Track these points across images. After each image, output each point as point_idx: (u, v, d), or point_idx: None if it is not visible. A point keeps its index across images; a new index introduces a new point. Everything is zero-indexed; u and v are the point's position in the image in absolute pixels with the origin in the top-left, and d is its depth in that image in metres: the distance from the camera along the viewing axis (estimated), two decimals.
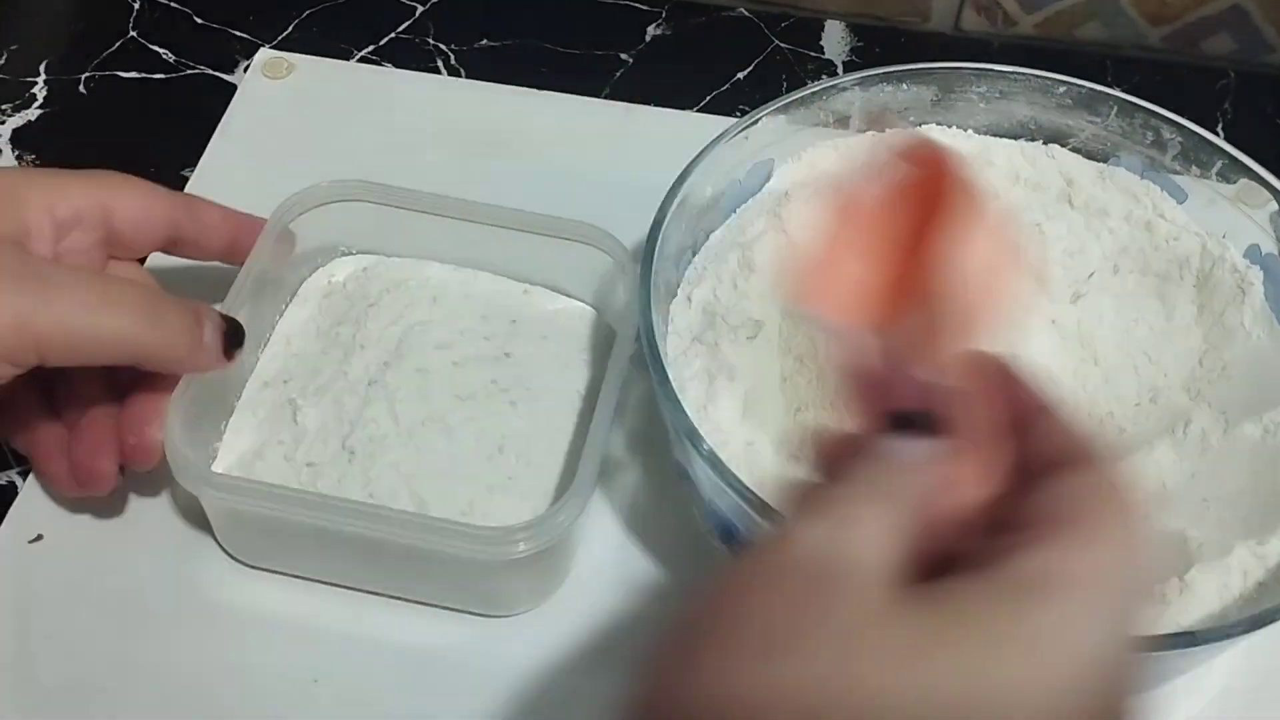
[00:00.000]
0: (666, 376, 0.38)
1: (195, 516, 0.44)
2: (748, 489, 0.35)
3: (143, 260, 0.46)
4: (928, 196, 0.28)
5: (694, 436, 0.37)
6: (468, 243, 0.49)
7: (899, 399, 0.27)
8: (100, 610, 0.42)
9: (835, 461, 0.27)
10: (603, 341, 0.48)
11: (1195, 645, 0.33)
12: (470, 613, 0.42)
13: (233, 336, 0.41)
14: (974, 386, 0.27)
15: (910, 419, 0.26)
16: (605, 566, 0.44)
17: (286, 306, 0.48)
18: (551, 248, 0.48)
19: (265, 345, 0.47)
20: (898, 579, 0.23)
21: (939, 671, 0.21)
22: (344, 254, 0.50)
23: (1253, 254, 0.45)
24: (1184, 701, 0.41)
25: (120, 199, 0.42)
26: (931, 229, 0.27)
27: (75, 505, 0.44)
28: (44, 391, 0.42)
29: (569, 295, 0.50)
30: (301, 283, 0.49)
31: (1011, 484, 0.26)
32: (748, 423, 0.41)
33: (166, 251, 0.45)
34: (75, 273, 0.39)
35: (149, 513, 0.44)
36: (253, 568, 0.43)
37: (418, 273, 0.49)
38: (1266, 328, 0.44)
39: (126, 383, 0.41)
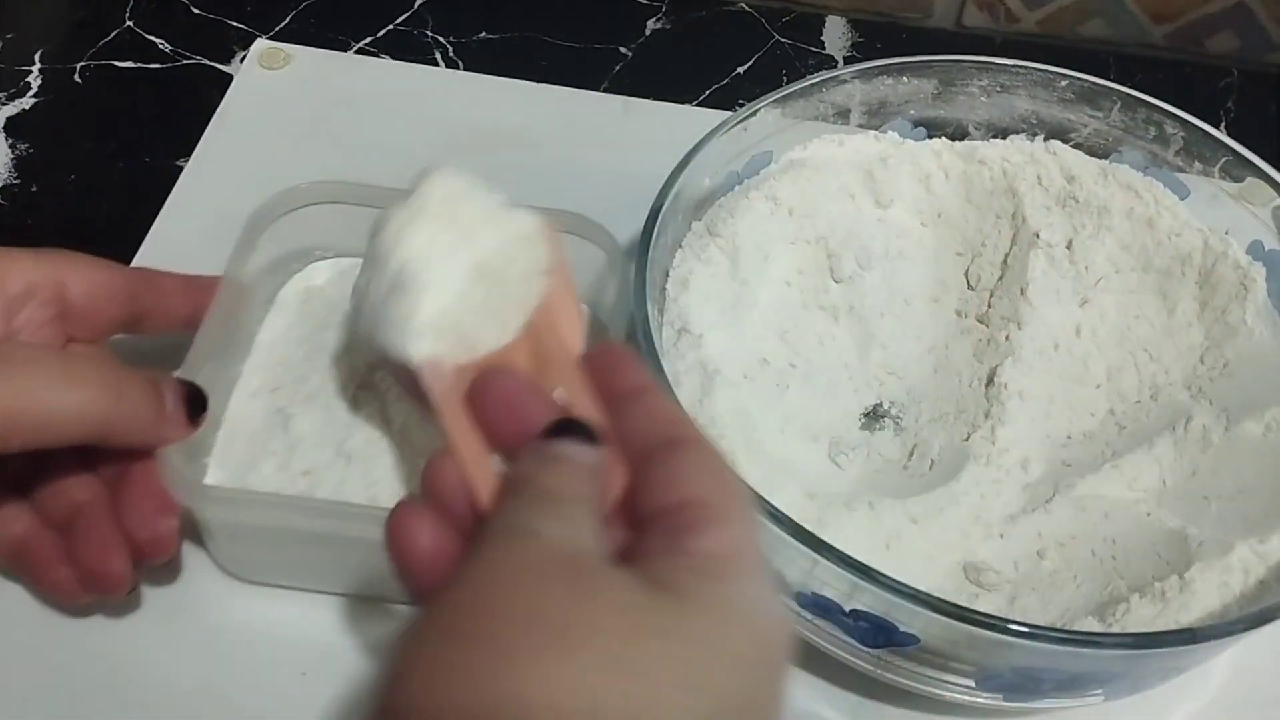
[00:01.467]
0: (662, 369, 0.38)
1: (190, 533, 0.43)
2: (747, 486, 0.35)
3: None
4: None
5: None
6: None
7: (537, 415, 0.29)
8: (94, 630, 0.41)
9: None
10: (594, 338, 0.47)
11: (1196, 643, 0.33)
12: None
13: (194, 402, 0.39)
14: (587, 372, 0.30)
15: (566, 427, 0.28)
16: None
17: (266, 315, 0.46)
18: None
19: (248, 356, 0.45)
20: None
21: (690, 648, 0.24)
22: (320, 258, 0.48)
23: (1255, 250, 0.44)
24: (1184, 700, 0.41)
25: (75, 273, 0.39)
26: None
27: None
28: (21, 494, 0.39)
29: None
30: (279, 289, 0.47)
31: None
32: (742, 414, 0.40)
33: (128, 330, 0.42)
34: (33, 348, 0.37)
35: None
36: (251, 583, 0.42)
37: None
38: (1269, 325, 0.43)
39: (110, 471, 0.39)
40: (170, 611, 0.42)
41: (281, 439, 0.43)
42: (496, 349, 0.32)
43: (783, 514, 0.34)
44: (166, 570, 0.42)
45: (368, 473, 0.42)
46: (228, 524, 0.40)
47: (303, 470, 0.42)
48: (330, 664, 0.41)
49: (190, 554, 0.43)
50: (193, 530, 0.42)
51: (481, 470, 0.28)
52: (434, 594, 0.25)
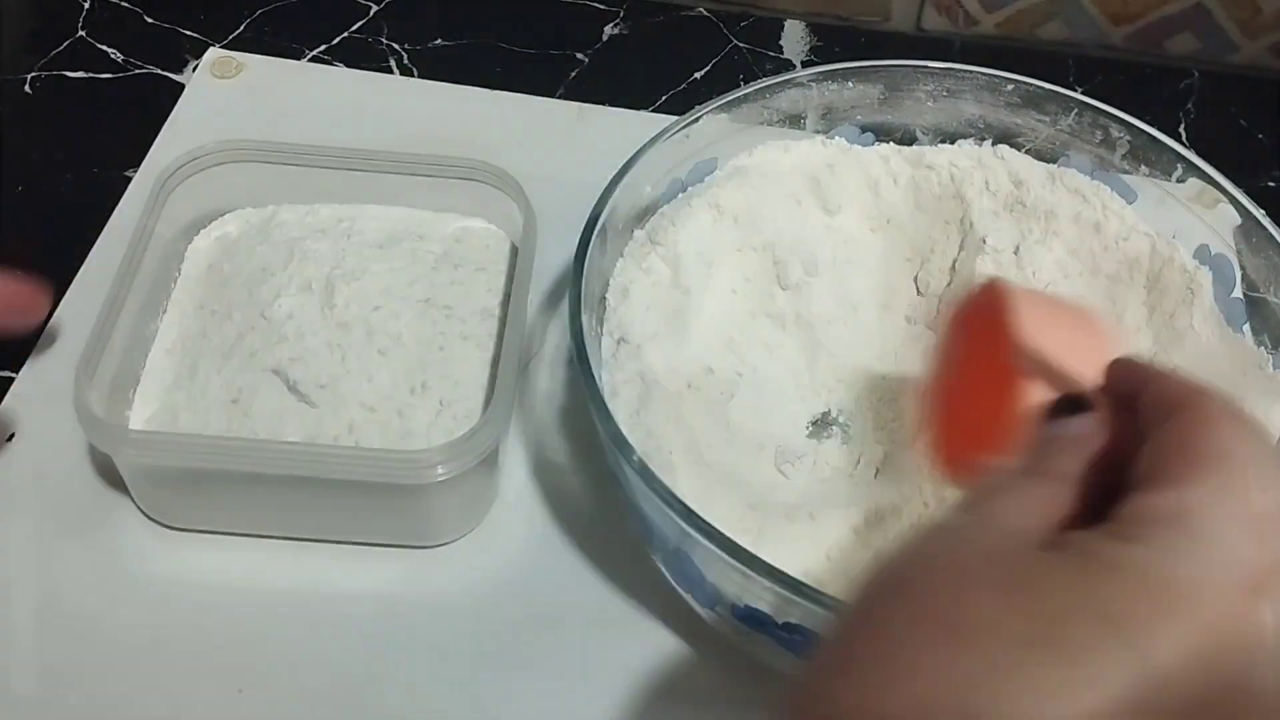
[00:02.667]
0: (597, 386, 0.38)
1: (113, 480, 0.43)
2: (677, 499, 0.34)
3: None
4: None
5: (623, 445, 0.36)
6: (358, 190, 0.49)
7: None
8: (15, 583, 0.41)
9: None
10: (506, 256, 0.49)
11: None
12: (401, 546, 0.42)
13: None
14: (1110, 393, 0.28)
15: (1065, 404, 0.27)
16: (532, 489, 0.44)
17: (179, 272, 0.48)
18: (442, 186, 0.48)
19: (164, 312, 0.46)
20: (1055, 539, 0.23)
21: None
22: (227, 212, 0.50)
23: (1202, 254, 0.44)
24: None
25: None
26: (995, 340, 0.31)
27: None
28: None
29: (464, 214, 0.50)
30: (189, 245, 0.48)
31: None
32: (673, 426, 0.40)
33: None
34: None
35: (63, 479, 0.44)
36: (173, 529, 0.43)
37: (307, 216, 0.49)
38: (1215, 328, 0.43)
39: None
40: (97, 558, 0.42)
41: (199, 389, 0.44)
42: None
43: (713, 528, 0.34)
44: (92, 517, 0.43)
45: (279, 418, 0.43)
46: (147, 468, 0.41)
47: (220, 417, 0.43)
48: (258, 608, 0.41)
49: (116, 501, 0.43)
50: (116, 478, 0.43)
51: None
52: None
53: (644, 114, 0.59)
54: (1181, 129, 0.61)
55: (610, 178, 0.43)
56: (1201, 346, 0.43)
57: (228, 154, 0.48)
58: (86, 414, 0.39)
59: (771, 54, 0.63)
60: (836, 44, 0.64)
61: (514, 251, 0.49)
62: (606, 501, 0.45)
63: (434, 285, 0.47)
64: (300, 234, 0.48)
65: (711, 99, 0.45)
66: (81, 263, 0.51)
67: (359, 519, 0.42)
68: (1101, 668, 0.20)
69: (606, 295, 0.43)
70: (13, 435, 0.44)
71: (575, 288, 0.39)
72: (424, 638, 0.41)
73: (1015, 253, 0.46)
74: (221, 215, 0.49)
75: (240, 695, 0.39)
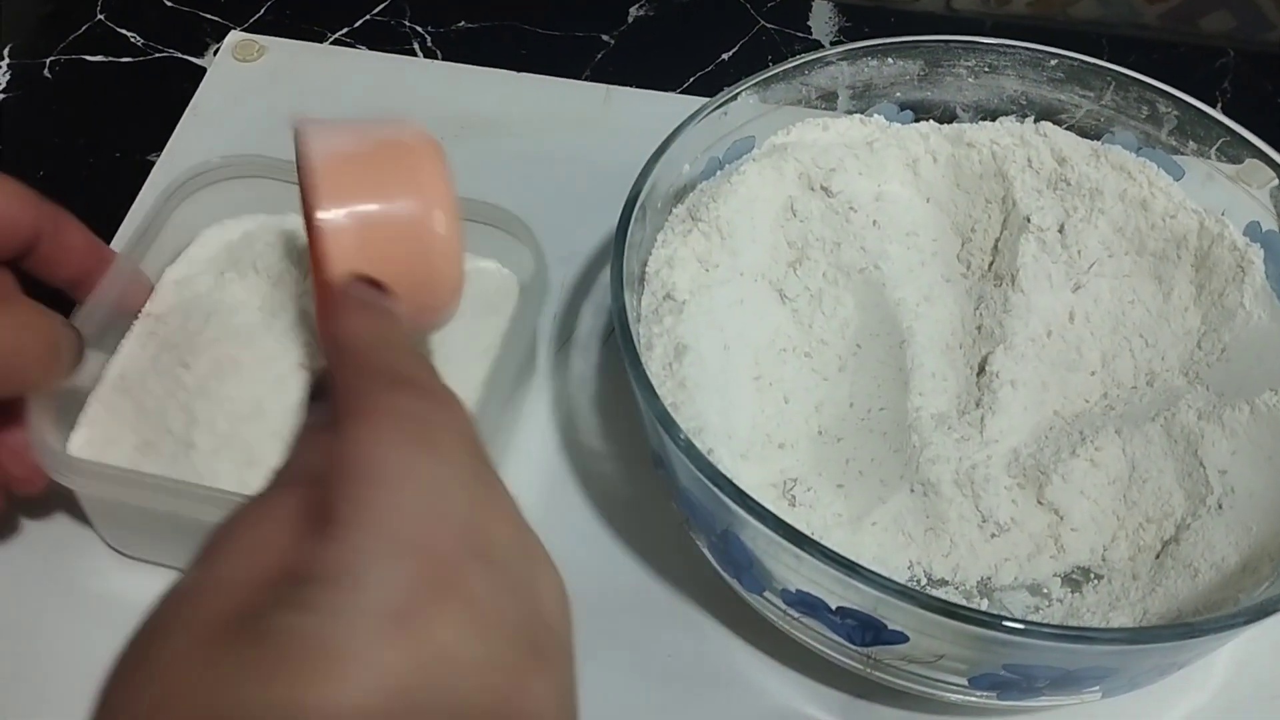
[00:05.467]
0: (641, 364, 0.37)
1: (74, 508, 0.42)
2: (728, 480, 0.34)
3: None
4: None
5: (670, 425, 0.35)
6: None
7: None
8: None
9: None
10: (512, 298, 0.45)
11: (1193, 637, 0.31)
12: None
13: (77, 351, 0.38)
14: None
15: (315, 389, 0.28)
16: (596, 585, 0.42)
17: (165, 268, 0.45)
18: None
19: (128, 332, 0.43)
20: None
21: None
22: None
23: (1253, 231, 0.43)
24: (1185, 696, 0.39)
25: None
26: None
27: None
28: None
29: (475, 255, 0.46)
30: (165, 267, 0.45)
31: None
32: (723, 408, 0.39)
33: (16, 262, 0.40)
34: None
35: (26, 505, 0.42)
36: (133, 559, 0.41)
37: (287, 241, 0.46)
38: (1267, 307, 0.42)
39: None
40: (49, 581, 0.41)
41: (159, 404, 0.41)
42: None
43: (766, 510, 0.33)
44: (43, 534, 0.42)
45: (242, 441, 0.40)
46: (89, 497, 0.40)
47: (173, 437, 0.40)
48: None
49: (76, 532, 0.42)
50: (77, 508, 0.42)
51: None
52: None
53: (672, 95, 0.58)
54: (1218, 109, 0.60)
55: (648, 156, 0.42)
56: (1252, 325, 0.42)
57: (225, 170, 0.46)
58: (41, 444, 0.37)
59: (800, 35, 0.62)
60: (866, 24, 0.63)
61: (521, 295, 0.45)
62: (644, 484, 0.44)
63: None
64: (278, 263, 0.45)
65: (741, 80, 0.44)
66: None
67: None
68: None
69: (646, 269, 0.42)
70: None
71: (617, 262, 0.38)
72: None
73: (1060, 231, 0.45)
74: (200, 234, 0.46)
75: None
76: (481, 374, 0.42)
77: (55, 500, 0.42)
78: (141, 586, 0.38)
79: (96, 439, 0.41)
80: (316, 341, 0.41)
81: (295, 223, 0.46)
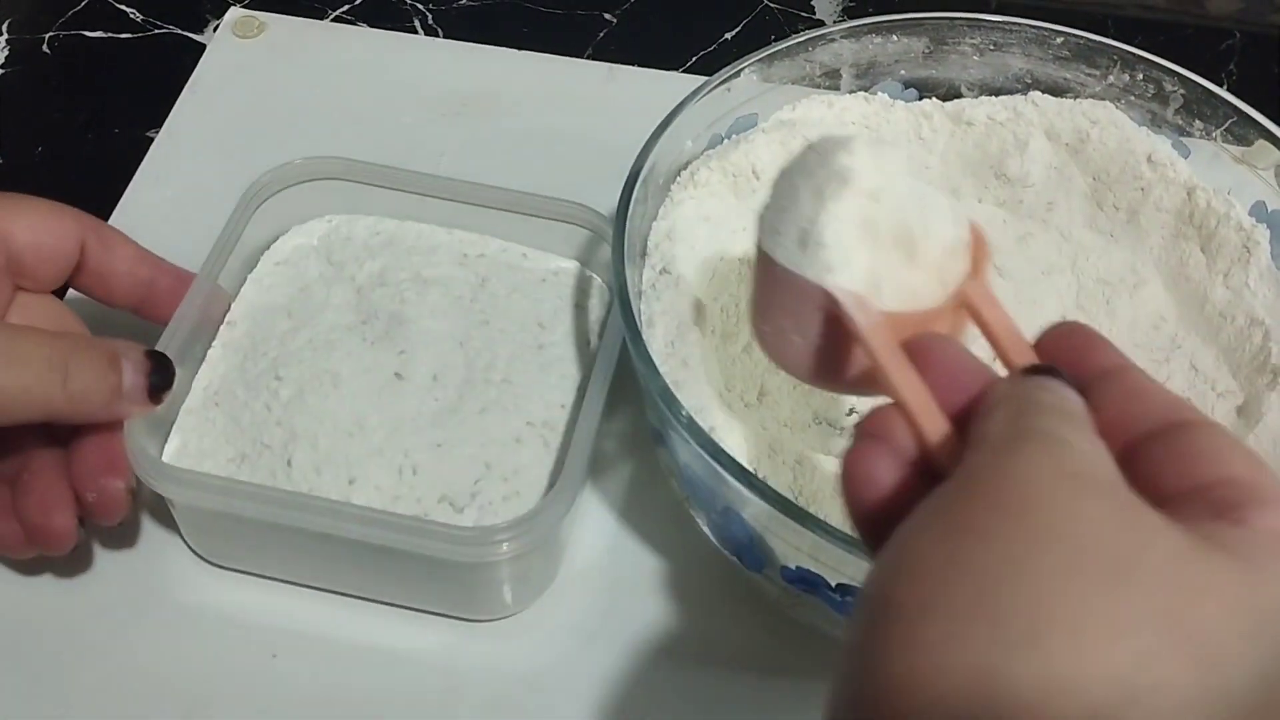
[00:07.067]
0: (642, 342, 0.36)
1: (162, 516, 0.42)
2: (727, 455, 0.33)
3: (62, 293, 0.41)
4: None
5: (671, 402, 0.35)
6: (443, 217, 0.46)
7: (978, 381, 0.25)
8: (65, 613, 0.40)
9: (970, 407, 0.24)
10: (596, 302, 0.45)
11: None
12: (453, 616, 0.40)
13: (160, 377, 0.37)
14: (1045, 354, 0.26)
15: (1047, 369, 0.24)
16: (597, 565, 0.42)
17: (243, 285, 0.44)
18: (532, 223, 0.45)
19: (212, 339, 0.43)
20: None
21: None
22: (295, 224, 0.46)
23: (1259, 211, 0.43)
24: None
25: (20, 219, 0.37)
26: None
27: None
28: None
29: (553, 253, 0.46)
30: (252, 268, 0.45)
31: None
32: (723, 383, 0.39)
33: (73, 286, 0.40)
34: None
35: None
36: (223, 568, 0.41)
37: (376, 238, 0.46)
38: (1273, 286, 0.42)
39: (67, 427, 0.37)
40: (138, 590, 0.40)
41: (248, 424, 0.41)
42: (919, 310, 0.27)
43: (766, 486, 0.33)
44: (129, 544, 0.41)
45: (346, 460, 0.40)
46: (186, 505, 0.39)
47: (286, 459, 0.40)
48: (300, 651, 0.39)
49: (164, 538, 0.41)
50: (166, 514, 0.41)
51: (930, 416, 0.24)
52: (900, 535, 0.21)
53: (674, 74, 0.58)
54: (1225, 89, 0.59)
55: (649, 133, 0.41)
56: (1258, 304, 0.42)
57: (311, 169, 0.45)
58: (135, 448, 0.37)
59: (804, 14, 0.62)
60: (870, 3, 0.62)
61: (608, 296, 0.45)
62: (645, 464, 0.44)
63: (496, 308, 0.44)
64: (362, 267, 0.45)
65: (744, 56, 0.44)
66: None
67: (408, 585, 0.39)
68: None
69: (648, 242, 0.41)
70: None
71: (618, 238, 0.38)
72: (467, 713, 0.39)
73: (1056, 207, 0.45)
74: (288, 231, 0.46)
75: None
76: (576, 374, 0.43)
77: (138, 513, 0.42)
78: (232, 596, 0.40)
79: (190, 451, 0.40)
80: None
81: (373, 224, 0.46)
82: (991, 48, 0.46)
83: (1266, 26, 0.63)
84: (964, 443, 0.23)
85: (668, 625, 0.40)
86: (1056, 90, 0.46)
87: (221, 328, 0.43)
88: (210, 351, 0.43)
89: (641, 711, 0.39)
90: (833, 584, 0.34)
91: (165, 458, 0.40)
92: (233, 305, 0.44)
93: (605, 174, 0.43)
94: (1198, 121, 0.44)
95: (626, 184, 0.40)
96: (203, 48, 0.57)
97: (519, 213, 0.45)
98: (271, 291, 0.44)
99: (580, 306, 0.45)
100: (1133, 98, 0.45)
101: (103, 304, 0.41)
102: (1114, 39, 0.59)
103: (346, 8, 0.60)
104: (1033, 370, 0.24)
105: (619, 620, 0.40)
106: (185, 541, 0.41)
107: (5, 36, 0.58)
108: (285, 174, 0.45)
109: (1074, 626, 0.18)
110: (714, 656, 0.40)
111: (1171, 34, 0.62)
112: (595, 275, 0.46)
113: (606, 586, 0.41)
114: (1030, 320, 0.44)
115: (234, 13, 0.59)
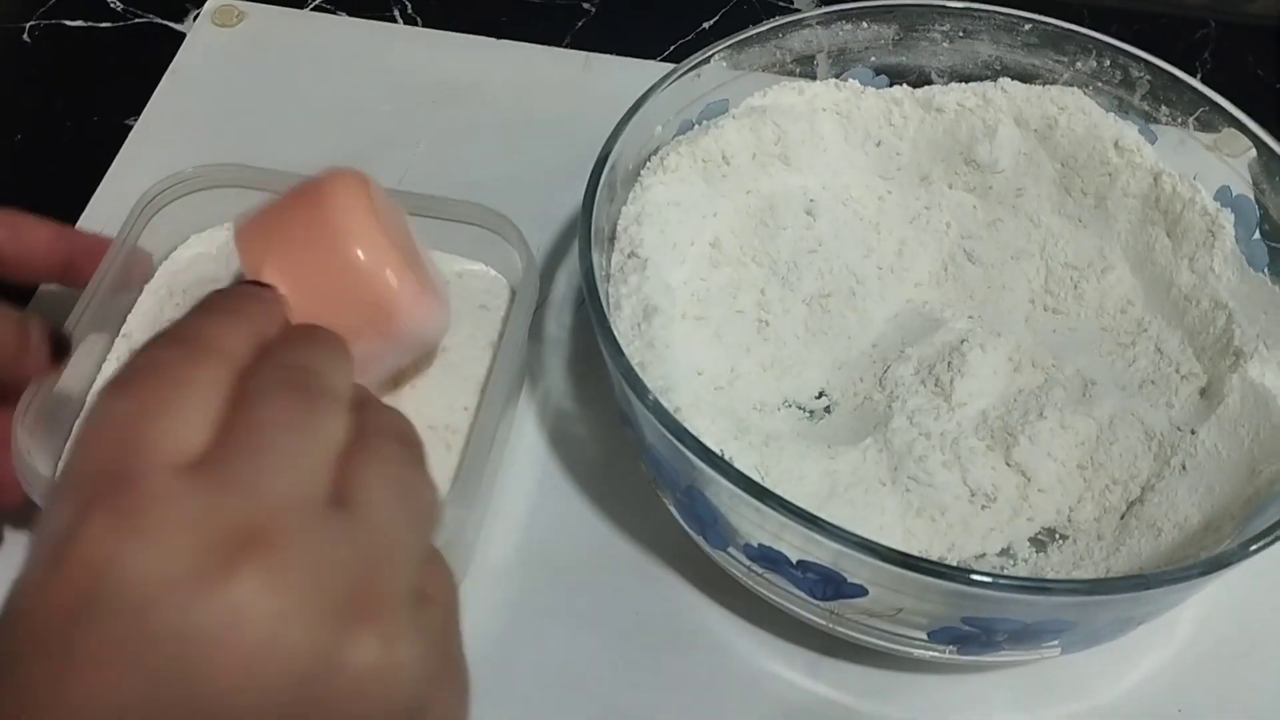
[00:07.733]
0: (609, 324, 0.37)
1: None
2: (690, 434, 0.34)
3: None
4: None
5: (636, 383, 0.35)
6: None
7: None
8: None
9: None
10: (500, 302, 0.44)
11: (1148, 588, 0.31)
12: None
13: (58, 343, 0.38)
14: None
15: None
16: (562, 544, 0.42)
17: (136, 300, 0.44)
18: (437, 226, 0.44)
19: (112, 348, 0.43)
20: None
21: None
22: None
23: (1223, 196, 0.43)
24: (1146, 654, 0.40)
25: None
26: None
27: None
28: None
29: (458, 255, 0.45)
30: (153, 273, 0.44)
31: None
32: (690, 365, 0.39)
33: None
34: None
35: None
36: None
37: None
38: (1237, 270, 0.42)
39: None
40: None
41: None
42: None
43: (728, 464, 0.33)
44: None
45: None
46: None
47: None
48: None
49: None
50: None
51: None
52: None
53: (652, 63, 0.58)
54: (1198, 79, 0.60)
55: (619, 119, 0.42)
56: (1222, 288, 0.43)
57: (205, 179, 0.44)
58: (26, 468, 0.36)
59: (782, 4, 0.62)
60: None
61: (512, 298, 0.44)
62: (614, 446, 0.44)
63: None
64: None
65: (714, 42, 0.44)
66: (81, 212, 0.50)
67: None
68: None
69: (616, 228, 0.42)
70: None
71: (585, 222, 0.38)
72: None
73: (1025, 194, 0.45)
74: (186, 240, 0.45)
75: None
76: (479, 376, 0.42)
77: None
78: None
79: None
80: None
81: None
82: (961, 34, 0.46)
83: (1241, 16, 0.63)
84: None
85: (633, 604, 0.41)
86: (1025, 77, 0.46)
87: (118, 339, 0.43)
88: (105, 365, 0.42)
89: (605, 689, 0.39)
90: (794, 560, 0.34)
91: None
92: (129, 317, 0.43)
93: (582, 161, 0.43)
94: (1164, 107, 0.45)
95: (594, 169, 0.40)
96: (182, 37, 0.58)
97: (424, 216, 0.43)
98: (169, 301, 0.44)
99: (485, 308, 0.44)
100: (1100, 84, 0.46)
101: (30, 284, 0.41)
102: (1089, 27, 0.59)
103: None
104: None
105: (585, 598, 0.41)
106: None
107: None
108: (180, 183, 0.44)
109: None
110: (680, 636, 0.40)
111: (1145, 23, 0.62)
112: (502, 276, 0.45)
113: (573, 565, 0.41)
114: (1000, 304, 0.45)
115: (213, 2, 0.59)
